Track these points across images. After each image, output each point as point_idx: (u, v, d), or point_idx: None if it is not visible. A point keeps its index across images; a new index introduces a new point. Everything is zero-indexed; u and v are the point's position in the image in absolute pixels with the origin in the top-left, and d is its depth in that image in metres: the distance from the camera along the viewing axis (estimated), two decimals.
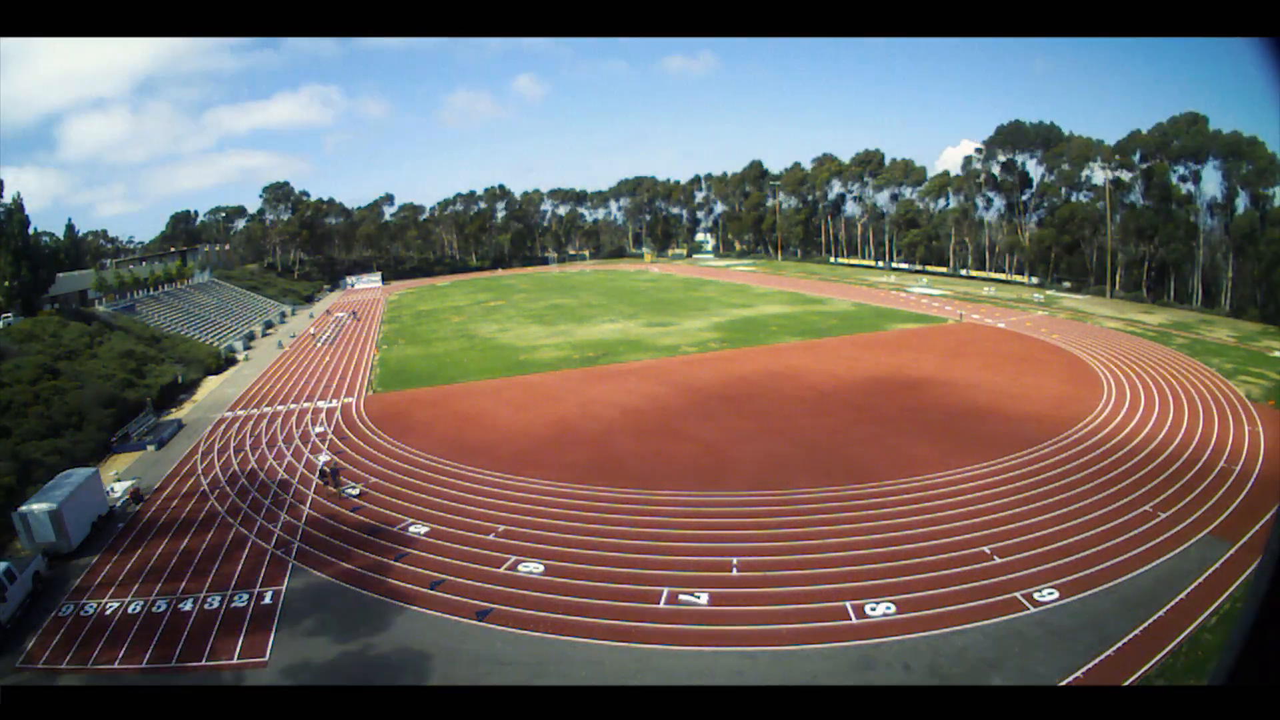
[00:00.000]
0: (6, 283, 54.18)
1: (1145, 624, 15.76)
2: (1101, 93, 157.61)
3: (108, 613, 19.32)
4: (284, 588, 19.80)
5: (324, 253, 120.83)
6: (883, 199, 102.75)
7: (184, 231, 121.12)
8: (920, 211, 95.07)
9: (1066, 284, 73.29)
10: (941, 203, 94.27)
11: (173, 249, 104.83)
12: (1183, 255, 64.57)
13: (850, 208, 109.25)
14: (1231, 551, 18.63)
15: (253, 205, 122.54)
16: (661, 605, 17.60)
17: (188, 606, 19.22)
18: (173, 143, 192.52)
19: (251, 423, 37.36)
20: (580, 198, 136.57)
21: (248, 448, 32.94)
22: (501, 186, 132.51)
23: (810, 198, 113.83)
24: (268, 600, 19.19)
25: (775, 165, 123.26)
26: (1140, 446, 26.96)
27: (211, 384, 48.71)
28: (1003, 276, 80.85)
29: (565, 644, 16.41)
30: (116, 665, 16.96)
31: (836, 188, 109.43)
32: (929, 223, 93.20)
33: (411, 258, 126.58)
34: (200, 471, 30.34)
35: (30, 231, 59.15)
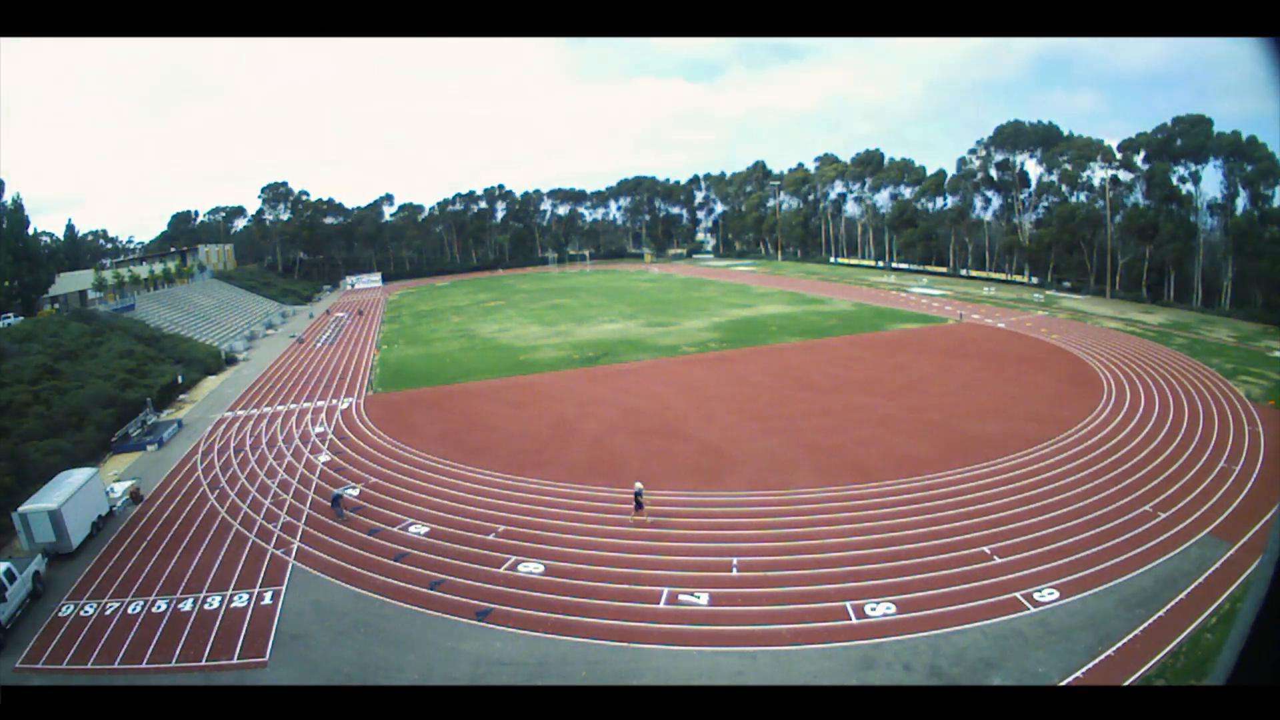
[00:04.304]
0: (6, 283, 54.23)
1: (1145, 624, 15.77)
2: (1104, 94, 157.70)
3: (108, 613, 19.33)
4: (284, 588, 19.80)
5: (324, 253, 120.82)
6: (882, 199, 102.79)
7: (184, 231, 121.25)
8: (919, 211, 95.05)
9: (1066, 284, 73.28)
10: (940, 201, 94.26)
11: (173, 249, 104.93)
12: (1183, 255, 64.56)
13: (851, 208, 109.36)
14: (1231, 551, 18.64)
15: (252, 205, 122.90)
16: (661, 605, 17.60)
17: (188, 607, 19.23)
18: None
19: (251, 423, 37.36)
20: (580, 198, 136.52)
21: (248, 448, 32.94)
22: (501, 187, 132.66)
23: (811, 197, 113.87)
24: (268, 600, 19.19)
25: (777, 165, 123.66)
26: (1140, 446, 26.95)
27: (211, 384, 48.71)
28: (1002, 276, 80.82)
29: (565, 644, 16.41)
30: (116, 665, 16.99)
31: (838, 188, 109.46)
32: (926, 221, 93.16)
33: (411, 258, 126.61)
34: (200, 471, 30.34)
35: (30, 232, 59.23)
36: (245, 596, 19.49)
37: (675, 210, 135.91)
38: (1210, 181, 65.31)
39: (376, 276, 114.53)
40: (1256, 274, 59.47)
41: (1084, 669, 14.47)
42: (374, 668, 15.97)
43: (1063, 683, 14.15)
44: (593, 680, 15.11)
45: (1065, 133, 79.40)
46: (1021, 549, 19.26)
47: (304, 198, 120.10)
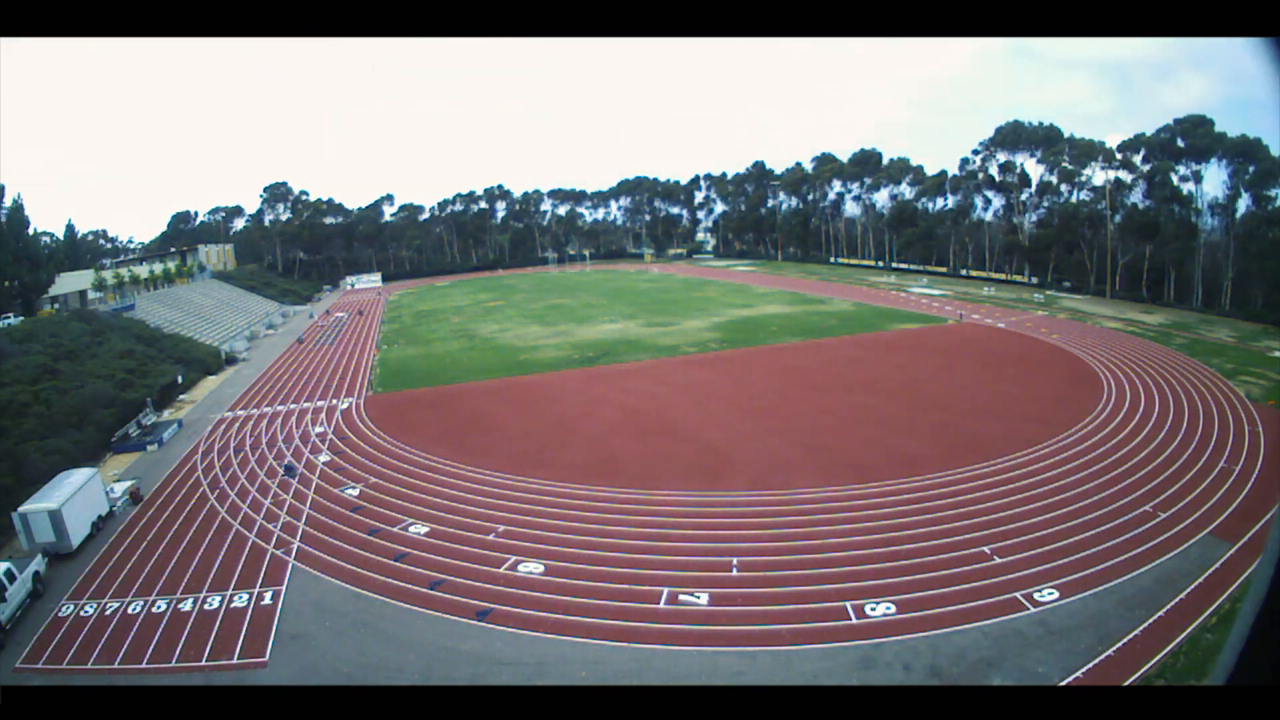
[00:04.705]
0: (6, 283, 54.28)
1: (1145, 624, 15.77)
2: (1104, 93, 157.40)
3: (108, 613, 19.33)
4: (284, 588, 19.80)
5: (324, 253, 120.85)
6: (882, 199, 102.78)
7: (184, 231, 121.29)
8: (918, 211, 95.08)
9: (1066, 284, 73.29)
10: (941, 201, 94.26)
11: (172, 249, 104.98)
12: (1183, 255, 64.57)
13: (850, 208, 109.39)
14: (1231, 551, 18.64)
15: (252, 205, 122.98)
16: (661, 605, 17.60)
17: (188, 606, 19.23)
18: None
19: (251, 423, 37.36)
20: (580, 198, 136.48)
21: (248, 448, 32.94)
22: (501, 187, 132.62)
23: (811, 197, 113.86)
24: (268, 600, 19.19)
25: (777, 165, 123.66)
26: (1140, 446, 26.95)
27: (211, 384, 48.71)
28: (1002, 276, 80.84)
29: (565, 644, 16.41)
30: (116, 665, 16.99)
31: (836, 187, 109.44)
32: (927, 221, 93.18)
33: (411, 258, 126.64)
34: (200, 471, 30.34)
35: (30, 232, 59.28)
36: (245, 596, 19.49)
37: (675, 210, 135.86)
38: (1211, 181, 65.45)
39: (376, 276, 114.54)
40: (1257, 274, 59.50)
41: (1084, 669, 14.47)
42: (374, 668, 15.97)
43: (1063, 683, 14.15)
44: (593, 680, 15.12)
45: (1066, 133, 79.53)
46: (1021, 549, 19.25)
47: (304, 198, 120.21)
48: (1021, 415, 31.18)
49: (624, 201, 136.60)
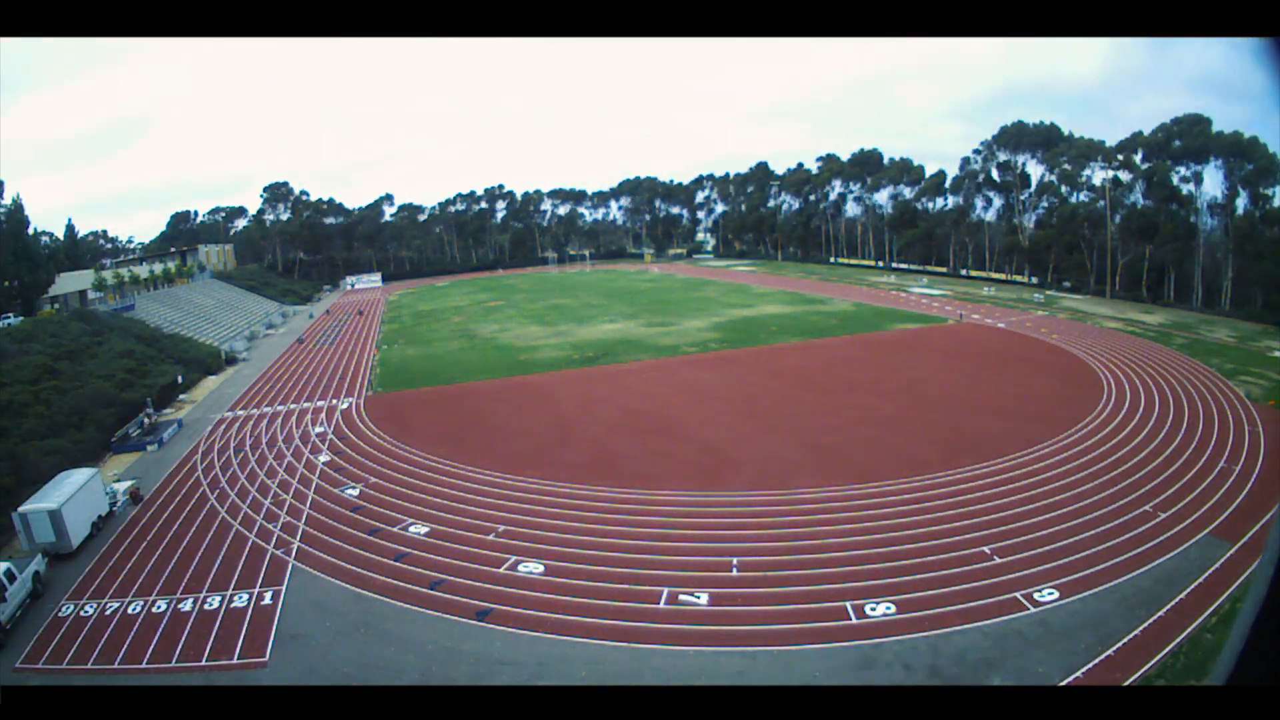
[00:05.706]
0: (6, 283, 54.28)
1: (1145, 624, 15.77)
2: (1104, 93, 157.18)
3: (108, 613, 19.33)
4: (284, 588, 19.80)
5: (324, 253, 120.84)
6: (882, 199, 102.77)
7: (184, 231, 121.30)
8: (919, 211, 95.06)
9: (1066, 284, 73.28)
10: (941, 201, 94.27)
11: (172, 249, 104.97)
12: (1183, 255, 64.56)
13: (851, 208, 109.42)
14: (1231, 551, 18.63)
15: (252, 205, 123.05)
16: (661, 605, 17.59)
17: (188, 606, 19.23)
18: None
19: (251, 423, 37.35)
20: (580, 198, 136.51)
21: (248, 448, 32.93)
22: (501, 187, 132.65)
23: (812, 197, 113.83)
24: (268, 600, 19.19)
25: (778, 166, 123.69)
26: (1140, 446, 26.95)
27: (211, 384, 48.71)
28: (1002, 276, 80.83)
29: (565, 644, 16.41)
30: (116, 665, 16.99)
31: (838, 188, 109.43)
32: (927, 221, 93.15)
33: (411, 258, 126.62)
34: (200, 471, 30.33)
35: (30, 232, 59.28)
36: (245, 596, 19.49)
37: (676, 210, 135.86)
38: (1211, 181, 65.44)
39: (376, 277, 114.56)
40: (1257, 274, 59.51)
41: (1084, 669, 14.47)
42: (374, 668, 15.97)
43: (1063, 683, 14.14)
44: (593, 680, 15.11)
45: (1066, 133, 79.52)
46: (1021, 549, 19.25)
47: (304, 198, 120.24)
48: (1021, 415, 31.17)
49: (624, 201, 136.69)
